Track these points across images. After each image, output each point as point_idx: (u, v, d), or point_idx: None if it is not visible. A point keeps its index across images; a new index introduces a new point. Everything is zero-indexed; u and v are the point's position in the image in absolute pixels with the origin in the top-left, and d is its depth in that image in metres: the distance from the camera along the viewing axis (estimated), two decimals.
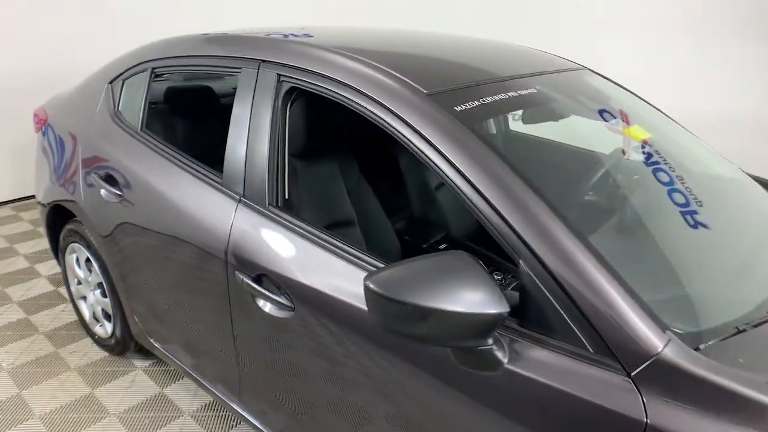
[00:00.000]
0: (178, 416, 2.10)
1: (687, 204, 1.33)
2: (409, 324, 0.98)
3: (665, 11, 3.79)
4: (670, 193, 1.36)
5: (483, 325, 0.97)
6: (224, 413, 2.12)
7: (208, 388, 1.88)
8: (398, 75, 1.34)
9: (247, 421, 1.74)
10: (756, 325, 1.04)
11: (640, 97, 1.92)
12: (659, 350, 0.92)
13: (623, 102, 1.79)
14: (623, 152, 1.56)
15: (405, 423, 1.22)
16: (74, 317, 2.66)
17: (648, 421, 0.89)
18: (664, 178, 1.39)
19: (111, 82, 2.16)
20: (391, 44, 1.79)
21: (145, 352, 2.40)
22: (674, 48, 3.75)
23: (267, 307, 1.43)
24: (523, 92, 1.44)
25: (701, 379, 0.89)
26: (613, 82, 1.95)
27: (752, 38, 3.51)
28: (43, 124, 2.50)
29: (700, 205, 1.34)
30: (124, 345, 2.32)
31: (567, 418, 0.96)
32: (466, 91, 1.34)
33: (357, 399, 1.31)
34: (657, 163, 1.44)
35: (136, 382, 2.28)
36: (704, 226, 1.30)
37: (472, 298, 0.96)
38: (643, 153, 1.50)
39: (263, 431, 1.69)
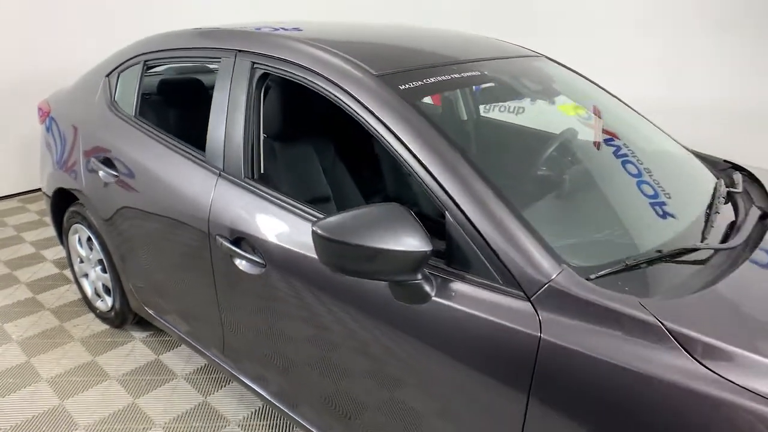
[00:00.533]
0: (172, 378, 2.31)
1: (633, 165, 1.54)
2: (349, 261, 1.17)
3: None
4: (610, 153, 1.56)
5: (412, 262, 1.16)
6: (215, 375, 2.32)
7: (201, 350, 2.08)
8: (353, 60, 1.54)
9: (236, 378, 1.94)
10: (650, 263, 1.23)
11: (599, 86, 2.10)
12: (552, 278, 1.11)
13: (574, 86, 1.98)
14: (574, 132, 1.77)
15: (356, 354, 1.41)
16: (78, 296, 2.87)
17: (542, 335, 1.08)
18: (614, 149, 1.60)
19: (108, 75, 2.37)
20: (362, 35, 1.98)
21: (142, 324, 2.61)
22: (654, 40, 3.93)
23: (243, 265, 1.63)
24: (466, 74, 1.63)
25: (584, 300, 1.08)
26: (571, 70, 2.13)
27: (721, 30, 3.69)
28: (46, 116, 2.71)
29: (637, 158, 1.54)
30: (123, 317, 2.52)
31: (480, 337, 1.16)
32: (412, 72, 1.53)
33: (322, 343, 1.51)
34: (618, 148, 1.65)
35: (134, 350, 2.49)
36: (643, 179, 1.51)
37: (402, 239, 1.15)
38: (609, 144, 1.72)
39: (249, 385, 1.88)
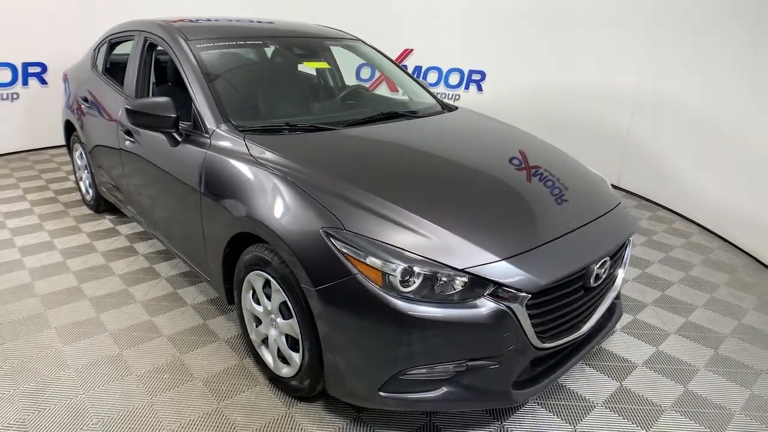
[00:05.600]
0: (118, 235, 3.75)
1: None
2: (142, 121, 2.50)
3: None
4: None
5: (170, 121, 2.47)
6: (148, 237, 3.73)
7: (131, 212, 3.48)
8: (183, 33, 2.87)
9: (140, 223, 3.31)
10: (289, 130, 2.47)
11: (398, 65, 3.36)
12: (218, 127, 2.39)
13: (369, 58, 3.28)
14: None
15: (156, 181, 2.74)
16: (80, 197, 4.41)
17: (206, 151, 2.36)
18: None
19: (95, 49, 3.87)
20: (216, 23, 3.27)
21: (113, 212, 4.09)
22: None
23: (128, 144, 3.01)
24: (250, 42, 2.94)
25: (226, 136, 2.35)
26: (377, 50, 3.39)
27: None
28: (66, 78, 4.26)
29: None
30: (98, 203, 4.02)
31: (193, 159, 2.44)
32: (211, 39, 2.85)
33: (148, 181, 2.84)
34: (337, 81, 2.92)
35: (103, 223, 3.97)
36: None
37: (165, 111, 2.46)
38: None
39: (150, 231, 3.25)
